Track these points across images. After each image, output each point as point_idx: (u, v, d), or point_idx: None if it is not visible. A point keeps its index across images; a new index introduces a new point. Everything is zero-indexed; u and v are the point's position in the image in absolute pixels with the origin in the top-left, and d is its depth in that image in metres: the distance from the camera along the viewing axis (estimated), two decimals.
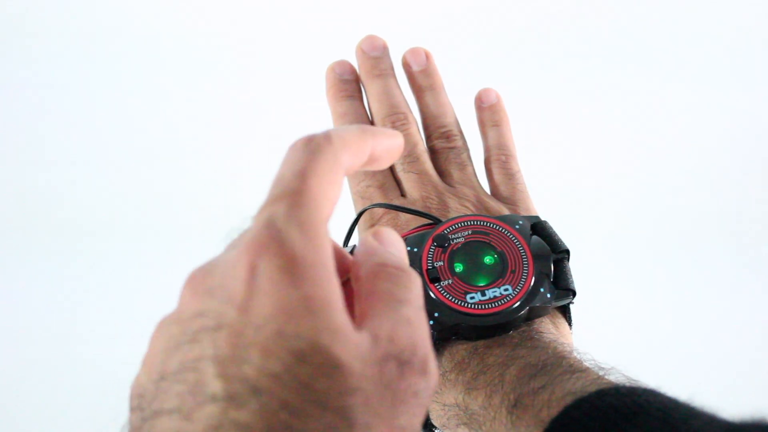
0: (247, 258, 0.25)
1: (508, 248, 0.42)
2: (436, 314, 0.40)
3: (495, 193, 0.51)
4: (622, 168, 1.13)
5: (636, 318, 1.05)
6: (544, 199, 0.57)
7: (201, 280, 0.26)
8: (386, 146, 0.32)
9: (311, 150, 0.27)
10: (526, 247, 0.42)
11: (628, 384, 0.35)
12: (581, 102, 1.14)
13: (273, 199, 0.26)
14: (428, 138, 0.53)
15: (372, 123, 0.52)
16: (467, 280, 0.41)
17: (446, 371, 0.40)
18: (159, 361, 0.25)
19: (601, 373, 0.37)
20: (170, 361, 0.25)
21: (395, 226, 0.46)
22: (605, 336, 0.95)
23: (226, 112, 1.12)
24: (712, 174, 1.13)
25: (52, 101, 1.11)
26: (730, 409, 0.33)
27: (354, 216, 0.48)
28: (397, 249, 0.29)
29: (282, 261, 0.24)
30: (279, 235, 0.25)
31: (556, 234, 0.44)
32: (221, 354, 0.24)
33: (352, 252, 0.43)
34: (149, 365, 0.26)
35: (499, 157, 0.52)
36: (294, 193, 0.26)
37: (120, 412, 0.27)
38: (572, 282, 0.43)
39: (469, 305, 0.40)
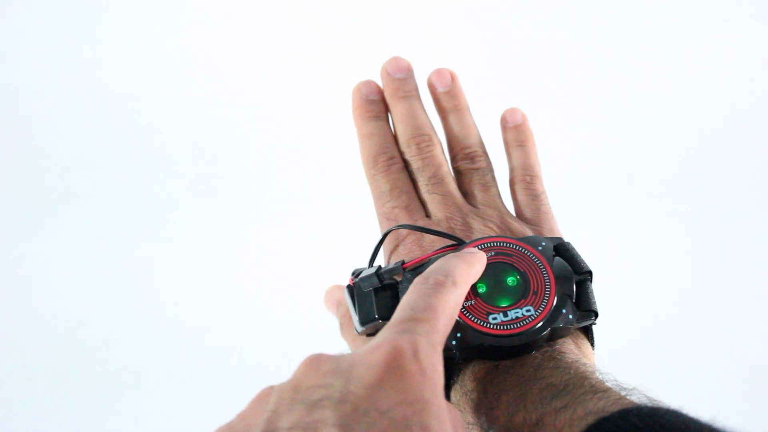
0: (387, 357, 0.30)
1: (530, 269, 0.43)
2: (458, 334, 0.41)
3: (519, 214, 0.51)
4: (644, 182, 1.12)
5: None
6: (567, 209, 0.58)
7: (325, 361, 0.31)
8: (479, 271, 0.41)
9: (442, 291, 0.35)
10: (548, 268, 0.43)
11: (650, 404, 0.35)
12: (607, 121, 1.14)
13: (409, 320, 0.33)
14: (453, 159, 0.53)
15: (396, 143, 0.53)
16: (490, 301, 0.41)
17: (468, 391, 0.41)
18: (265, 418, 0.29)
19: (623, 393, 0.37)
20: (280, 418, 0.29)
21: (419, 247, 0.47)
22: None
23: (249, 126, 1.13)
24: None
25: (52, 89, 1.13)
26: (753, 426, 0.33)
27: (380, 236, 0.49)
28: None
29: (416, 368, 0.30)
30: (417, 350, 0.30)
31: (578, 255, 0.45)
32: (345, 423, 0.27)
33: (378, 271, 0.44)
34: (248, 418, 0.31)
35: (523, 178, 0.52)
36: (429, 320, 0.33)
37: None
38: (594, 303, 0.43)
39: (492, 326, 0.41)
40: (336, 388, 0.29)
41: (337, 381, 0.29)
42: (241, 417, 0.32)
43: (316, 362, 0.31)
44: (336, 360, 0.31)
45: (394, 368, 0.29)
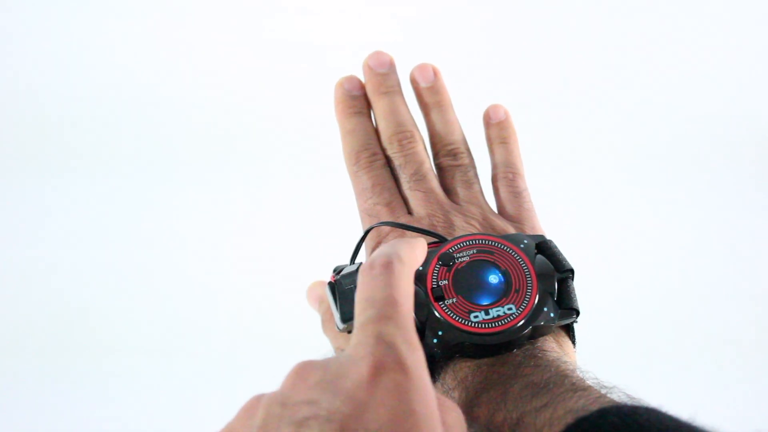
0: (371, 369, 0.29)
1: (512, 267, 0.43)
2: (440, 333, 0.40)
3: (501, 212, 0.51)
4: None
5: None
6: (553, 210, 0.57)
7: (313, 372, 0.30)
8: (421, 255, 0.39)
9: (392, 273, 0.33)
10: (530, 266, 0.43)
11: (629, 403, 0.35)
12: (591, 119, 1.14)
13: (376, 320, 0.31)
14: (435, 155, 0.53)
15: (379, 139, 0.53)
16: (471, 299, 0.41)
17: (450, 389, 0.41)
18: None
19: (603, 391, 0.37)
20: None
21: None
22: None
23: (231, 121, 1.13)
24: None
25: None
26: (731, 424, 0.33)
27: (361, 233, 0.48)
28: None
29: (401, 377, 0.29)
30: (399, 356, 0.29)
31: (560, 253, 0.45)
32: None
33: (359, 268, 0.43)
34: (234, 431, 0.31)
35: (506, 175, 0.52)
36: (395, 315, 0.31)
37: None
38: (576, 301, 0.43)
39: (473, 324, 0.40)
40: (323, 405, 0.28)
41: (324, 396, 0.29)
42: (229, 430, 0.31)
43: (303, 373, 0.30)
44: (323, 369, 0.30)
45: (380, 383, 0.29)
